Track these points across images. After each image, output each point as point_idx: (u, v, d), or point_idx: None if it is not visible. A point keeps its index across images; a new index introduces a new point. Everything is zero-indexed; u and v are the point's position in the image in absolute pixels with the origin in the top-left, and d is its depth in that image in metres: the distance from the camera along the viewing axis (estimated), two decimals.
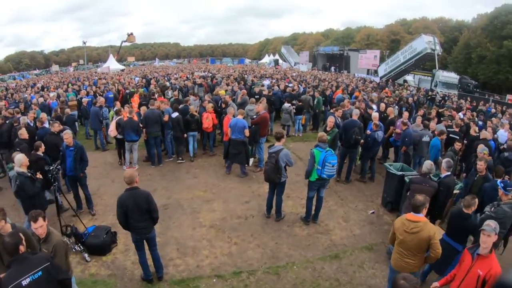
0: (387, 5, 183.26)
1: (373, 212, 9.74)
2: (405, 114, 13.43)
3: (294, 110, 16.31)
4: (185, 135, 12.92)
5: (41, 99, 18.36)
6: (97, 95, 20.02)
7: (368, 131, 11.38)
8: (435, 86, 36.71)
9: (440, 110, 18.11)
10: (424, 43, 37.76)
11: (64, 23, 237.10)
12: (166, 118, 12.45)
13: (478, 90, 42.32)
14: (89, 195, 9.53)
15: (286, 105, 16.16)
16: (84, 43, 72.15)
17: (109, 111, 15.18)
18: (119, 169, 12.59)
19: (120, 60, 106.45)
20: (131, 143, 12.09)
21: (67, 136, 8.82)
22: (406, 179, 8.71)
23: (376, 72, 49.94)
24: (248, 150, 11.53)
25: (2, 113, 13.61)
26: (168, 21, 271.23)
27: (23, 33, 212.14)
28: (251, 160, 12.37)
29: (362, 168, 11.99)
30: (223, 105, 14.02)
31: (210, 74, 36.51)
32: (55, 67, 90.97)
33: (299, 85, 24.53)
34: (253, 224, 8.95)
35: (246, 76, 33.54)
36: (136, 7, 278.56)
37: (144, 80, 29.16)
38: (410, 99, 20.63)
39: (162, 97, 16.38)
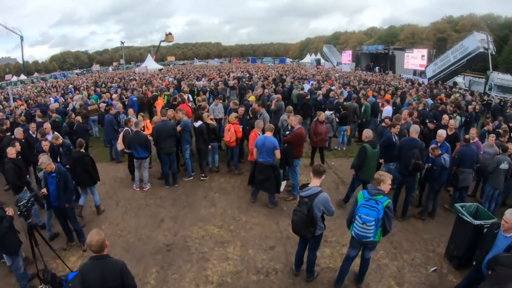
0: (431, 2, 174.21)
1: (435, 270, 6.98)
2: (473, 130, 10.50)
3: (337, 119, 13.75)
4: (210, 146, 10.88)
5: (55, 103, 16.88)
6: (124, 97, 18.10)
7: (434, 150, 8.58)
8: (490, 89, 32.61)
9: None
10: (476, 42, 34.15)
11: (108, 24, 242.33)
12: (178, 129, 10.26)
13: None
14: (80, 229, 7.61)
15: (328, 113, 13.51)
16: (122, 43, 72.42)
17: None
18: (129, 188, 10.55)
19: (161, 59, 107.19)
20: (140, 161, 9.97)
21: (44, 161, 6.83)
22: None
23: (422, 73, 46.15)
24: (279, 175, 8.93)
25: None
26: (210, 22, 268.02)
27: (70, 34, 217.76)
28: (283, 184, 9.80)
29: (420, 202, 9.46)
30: (251, 115, 11.46)
31: (248, 75, 33.76)
32: (96, 67, 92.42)
33: (343, 88, 21.19)
34: (275, 284, 6.41)
35: (285, 76, 30.69)
36: (179, 8, 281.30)
37: (175, 81, 26.78)
38: (470, 107, 17.41)
39: (187, 102, 14.10)
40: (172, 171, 10.51)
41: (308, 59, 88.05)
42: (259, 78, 27.90)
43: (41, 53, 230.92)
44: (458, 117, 14.49)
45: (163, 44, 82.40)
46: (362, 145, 8.86)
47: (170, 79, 29.61)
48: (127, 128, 10.24)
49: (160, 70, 58.34)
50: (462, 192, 9.29)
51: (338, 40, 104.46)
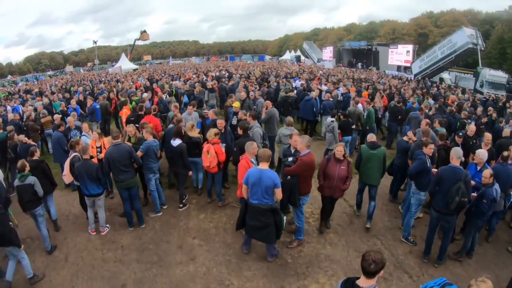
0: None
1: None
2: (487, 135, 8.82)
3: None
4: (190, 172, 8.69)
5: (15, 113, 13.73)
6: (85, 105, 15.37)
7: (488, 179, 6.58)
8: (481, 86, 31.17)
9: None
10: (465, 37, 33.01)
11: (86, 23, 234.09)
12: (139, 154, 7.73)
13: None
14: None
15: (328, 120, 11.29)
16: (95, 42, 68.47)
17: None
18: (83, 231, 7.87)
19: (137, 59, 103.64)
20: (92, 198, 7.37)
21: None
22: None
23: (406, 68, 45.25)
24: (281, 220, 6.21)
25: None
26: (188, 20, 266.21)
27: (47, 34, 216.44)
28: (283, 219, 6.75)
29: (464, 243, 7.02)
30: (240, 131, 8.39)
31: (227, 74, 30.50)
32: (69, 68, 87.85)
33: (337, 90, 18.34)
34: None
35: (269, 76, 28.16)
36: (157, 7, 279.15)
37: (148, 83, 23.17)
38: (479, 110, 15.40)
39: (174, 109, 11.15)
40: (135, 210, 7.88)
41: (288, 56, 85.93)
42: (240, 77, 25.12)
43: (17, 55, 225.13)
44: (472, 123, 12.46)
45: (140, 43, 78.53)
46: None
47: (143, 80, 26.43)
48: (75, 154, 7.61)
49: (134, 70, 54.53)
50: (493, 218, 7.53)
51: (317, 37, 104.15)
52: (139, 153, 7.68)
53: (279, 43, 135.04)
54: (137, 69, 57.68)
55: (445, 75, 40.71)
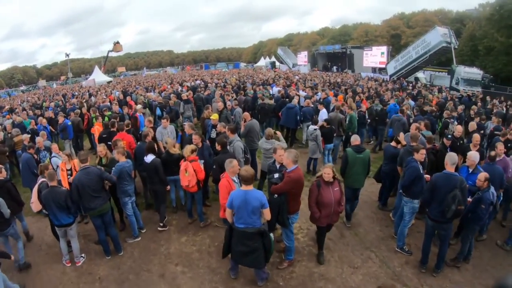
0: (377, 2, 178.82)
1: None
2: (476, 136, 8.63)
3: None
4: (168, 187, 8.27)
5: None
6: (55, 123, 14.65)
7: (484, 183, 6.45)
8: (457, 83, 31.76)
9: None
10: (439, 36, 33.73)
11: (58, 36, 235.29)
12: (115, 178, 7.11)
13: (493, 84, 38.88)
14: None
15: (311, 128, 10.88)
16: (67, 55, 67.18)
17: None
18: (57, 262, 7.16)
19: (112, 71, 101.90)
20: (63, 228, 6.72)
21: None
22: None
23: (381, 70, 45.90)
24: (270, 242, 5.72)
25: None
26: (162, 29, 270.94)
27: (19, 48, 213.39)
28: (273, 240, 6.24)
29: (462, 248, 6.81)
30: (219, 147, 7.81)
31: (203, 83, 29.76)
32: (41, 82, 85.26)
33: (316, 95, 17.98)
34: None
35: (245, 83, 27.71)
36: (129, 17, 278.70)
37: (122, 96, 21.81)
38: (460, 108, 15.35)
39: (124, 131, 10.30)
40: (111, 237, 7.24)
41: (263, 62, 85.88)
42: (216, 86, 24.51)
43: None
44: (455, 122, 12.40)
45: (113, 54, 77.14)
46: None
47: (117, 93, 25.52)
48: (43, 180, 6.94)
49: (108, 82, 52.99)
50: None
51: (291, 42, 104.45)
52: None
53: (254, 49, 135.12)
54: (111, 81, 56.20)
55: (420, 74, 41.50)
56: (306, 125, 13.13)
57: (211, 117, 10.79)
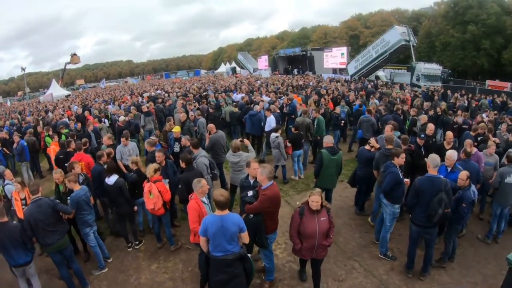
0: (334, 4, 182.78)
1: None
2: (449, 134, 8.76)
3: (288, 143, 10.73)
4: (135, 207, 7.72)
5: None
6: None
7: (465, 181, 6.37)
8: (417, 80, 32.35)
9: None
10: (397, 35, 34.25)
11: (15, 50, 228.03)
12: (71, 215, 6.40)
13: (452, 78, 40.53)
14: None
15: (273, 136, 10.49)
16: (23, 69, 64.55)
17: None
18: None
19: (70, 84, 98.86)
20: (21, 268, 5.91)
21: None
22: None
23: (342, 70, 46.35)
24: (251, 265, 5.13)
25: None
26: (120, 39, 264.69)
27: None
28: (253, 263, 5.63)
29: (446, 249, 6.72)
30: (183, 164, 7.23)
31: (164, 93, 28.87)
32: None
33: (279, 99, 17.56)
34: None
35: (207, 91, 27.17)
36: (88, 28, 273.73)
37: (80, 111, 21.11)
38: (426, 105, 15.41)
39: (82, 151, 9.31)
40: (74, 272, 6.51)
41: (223, 68, 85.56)
42: (177, 96, 23.80)
43: None
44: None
45: (71, 66, 74.66)
46: (319, 150, 8.18)
47: (75, 108, 24.44)
48: None
49: (67, 96, 50.01)
50: None
51: (251, 47, 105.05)
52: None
53: (214, 56, 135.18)
54: (69, 95, 53.38)
55: (380, 72, 42.37)
56: (273, 129, 12.71)
57: (173, 130, 10.26)
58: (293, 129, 10.95)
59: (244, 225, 4.88)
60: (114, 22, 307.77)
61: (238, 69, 76.76)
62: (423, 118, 11.68)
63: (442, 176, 5.95)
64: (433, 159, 5.91)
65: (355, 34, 71.31)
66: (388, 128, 8.97)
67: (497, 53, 45.11)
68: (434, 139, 9.52)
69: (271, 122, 12.29)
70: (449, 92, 24.43)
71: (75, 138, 10.99)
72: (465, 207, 6.17)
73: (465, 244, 7.37)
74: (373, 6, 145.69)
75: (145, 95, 28.90)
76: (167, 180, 7.43)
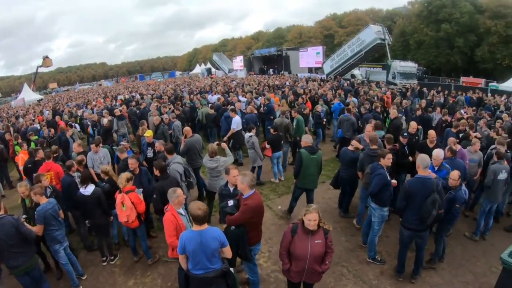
0: (308, 4, 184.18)
1: None
2: (431, 133, 8.61)
3: (267, 145, 10.38)
4: (111, 217, 7.08)
5: None
6: None
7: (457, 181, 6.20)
8: (393, 77, 32.75)
9: None
10: (373, 34, 34.62)
11: None
12: (37, 228, 5.82)
13: (427, 76, 41.69)
14: None
15: (247, 135, 10.25)
16: None
17: None
18: None
19: (43, 87, 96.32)
20: None
21: None
22: None
23: (317, 69, 46.57)
24: (234, 281, 4.68)
25: None
26: (94, 41, 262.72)
27: None
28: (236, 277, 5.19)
29: (436, 249, 6.56)
30: (157, 172, 6.70)
31: (138, 95, 27.96)
32: None
33: (255, 99, 17.56)
34: None
35: (182, 92, 26.70)
36: (61, 30, 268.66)
37: (49, 116, 20.15)
38: (405, 102, 15.32)
39: (51, 159, 8.58)
40: None
41: (199, 69, 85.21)
42: (152, 98, 23.03)
43: None
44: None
45: (44, 70, 72.85)
46: (298, 150, 8.04)
47: (47, 113, 23.44)
48: None
49: (39, 101, 48.22)
50: None
51: (226, 47, 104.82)
52: (37, 228, 5.80)
53: (189, 57, 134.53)
54: (42, 99, 51.53)
55: (356, 71, 42.58)
56: (247, 128, 12.39)
57: (145, 135, 9.73)
58: (271, 131, 10.61)
59: (225, 240, 4.43)
60: (88, 24, 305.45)
61: (213, 70, 76.72)
62: (393, 113, 11.63)
63: (432, 177, 5.70)
64: (422, 160, 5.66)
65: (330, 34, 71.69)
66: (369, 127, 8.80)
67: (470, 50, 46.25)
68: (417, 137, 9.32)
69: (233, 124, 12.02)
70: (425, 89, 24.57)
71: (45, 145, 10.40)
72: (458, 207, 6.03)
73: (452, 242, 7.21)
74: (347, 6, 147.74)
75: (119, 97, 28.07)
76: (141, 190, 6.93)
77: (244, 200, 4.99)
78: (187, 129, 9.69)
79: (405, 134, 8.51)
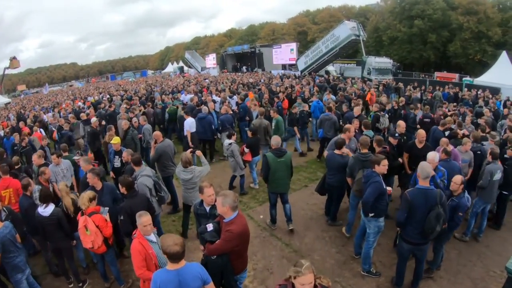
0: (280, 2, 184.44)
1: None
2: (421, 132, 7.98)
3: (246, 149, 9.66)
4: (74, 241, 6.22)
5: None
6: None
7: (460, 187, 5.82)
8: (369, 73, 32.65)
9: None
10: (347, 30, 34.10)
11: None
12: None
13: (401, 71, 41.43)
14: None
15: (226, 143, 9.53)
16: None
17: None
18: None
19: (12, 90, 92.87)
20: None
21: None
22: None
23: (291, 66, 46.42)
24: None
25: None
26: (65, 41, 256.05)
27: None
28: None
29: (435, 258, 6.18)
30: (123, 189, 5.81)
31: (108, 96, 26.48)
32: None
33: (231, 99, 16.61)
34: None
35: (153, 93, 25.69)
36: (31, 29, 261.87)
37: (14, 122, 18.63)
38: (384, 99, 14.88)
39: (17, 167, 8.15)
40: None
41: (171, 68, 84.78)
42: (123, 99, 21.48)
43: None
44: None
45: (11, 71, 69.69)
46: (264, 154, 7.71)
47: (12, 118, 21.99)
48: None
49: (6, 104, 45.20)
50: None
51: (198, 45, 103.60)
52: None
53: (161, 56, 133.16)
54: (9, 102, 48.91)
55: (330, 67, 42.33)
56: (226, 134, 11.51)
57: (111, 142, 8.82)
58: (249, 133, 9.93)
59: (207, 276, 3.74)
60: (58, 23, 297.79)
61: (186, 68, 76.03)
62: (375, 107, 11.48)
63: (434, 187, 5.20)
64: (423, 169, 5.13)
65: (303, 31, 71.64)
66: (351, 127, 8.31)
67: (443, 46, 46.96)
68: (405, 137, 8.81)
69: (186, 125, 11.46)
70: (401, 85, 24.38)
71: (4, 157, 9.41)
72: (461, 215, 5.61)
73: (446, 246, 6.65)
74: (320, 3, 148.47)
75: (89, 99, 26.77)
76: (107, 209, 5.93)
77: (227, 225, 4.24)
78: (157, 133, 8.83)
79: (396, 135, 8.03)
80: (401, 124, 8.82)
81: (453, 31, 45.52)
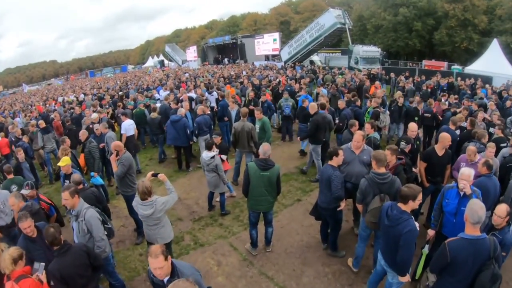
0: None
1: None
2: (412, 126, 7.12)
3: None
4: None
5: None
6: None
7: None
8: (356, 63, 31.54)
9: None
10: (333, 18, 33.14)
11: None
12: None
13: (387, 60, 40.71)
14: None
15: (207, 156, 7.43)
16: None
17: None
18: None
19: None
20: None
21: None
22: None
23: (275, 57, 45.40)
24: None
25: None
26: (44, 39, 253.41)
27: None
28: None
29: None
30: (53, 247, 4.14)
31: (82, 96, 24.52)
32: None
33: (210, 95, 14.74)
34: None
35: (128, 90, 23.57)
36: (9, 28, 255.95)
37: None
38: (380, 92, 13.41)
39: None
40: None
41: (151, 62, 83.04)
42: (93, 99, 19.47)
43: None
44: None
45: None
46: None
47: None
48: None
49: None
50: None
51: (179, 38, 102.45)
52: None
53: (141, 50, 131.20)
54: None
55: (314, 57, 41.48)
56: (203, 138, 10.03)
57: (59, 164, 6.89)
58: (217, 139, 8.13)
59: None
60: (37, 21, 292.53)
61: (166, 62, 74.84)
62: (374, 102, 10.39)
63: (486, 236, 3.63)
64: (473, 212, 3.56)
65: (286, 20, 70.81)
66: (359, 134, 6.16)
67: (428, 34, 46.25)
68: (418, 142, 7.24)
69: (122, 129, 10.43)
70: (392, 75, 22.95)
71: None
72: (505, 256, 4.08)
73: None
74: None
75: (60, 100, 24.64)
76: (43, 265, 4.15)
77: None
78: (118, 144, 7.08)
79: (406, 142, 6.35)
80: (413, 127, 7.10)
81: (438, 19, 44.81)
